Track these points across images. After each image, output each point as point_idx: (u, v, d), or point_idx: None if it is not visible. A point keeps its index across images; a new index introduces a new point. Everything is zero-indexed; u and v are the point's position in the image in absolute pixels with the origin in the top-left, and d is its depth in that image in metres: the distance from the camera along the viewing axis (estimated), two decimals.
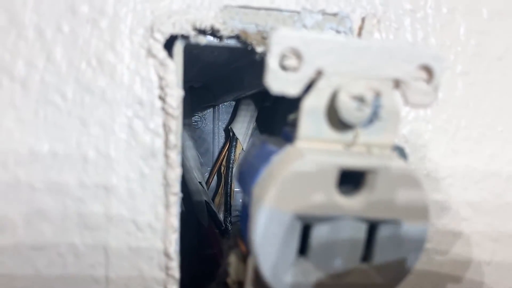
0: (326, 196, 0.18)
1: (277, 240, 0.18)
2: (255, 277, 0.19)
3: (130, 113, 0.23)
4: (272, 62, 0.18)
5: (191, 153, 0.43)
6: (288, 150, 0.19)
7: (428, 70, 0.19)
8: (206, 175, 0.46)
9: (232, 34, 0.25)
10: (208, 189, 0.45)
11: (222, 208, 0.44)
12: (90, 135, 0.23)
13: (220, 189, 0.45)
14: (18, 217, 0.22)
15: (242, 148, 0.45)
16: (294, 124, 0.20)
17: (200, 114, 0.47)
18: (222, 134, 0.48)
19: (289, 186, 0.17)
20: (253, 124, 0.45)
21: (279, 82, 0.18)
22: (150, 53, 0.23)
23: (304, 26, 0.26)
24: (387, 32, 0.27)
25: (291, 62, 0.18)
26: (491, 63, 0.29)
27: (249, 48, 0.25)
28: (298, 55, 0.18)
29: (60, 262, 0.23)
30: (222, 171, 0.45)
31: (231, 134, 0.45)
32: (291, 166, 0.17)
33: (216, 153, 0.47)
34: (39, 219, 0.22)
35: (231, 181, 0.44)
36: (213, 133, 0.47)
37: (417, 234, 0.19)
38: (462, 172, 0.28)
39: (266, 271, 0.18)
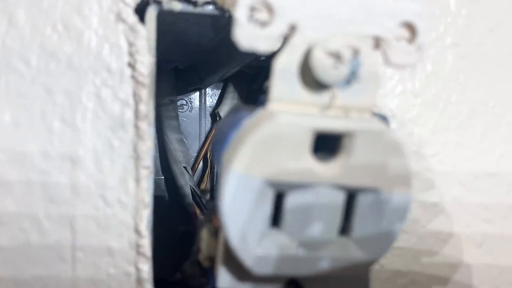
0: (300, 161, 0.17)
1: (247, 209, 0.17)
2: (225, 250, 0.18)
3: (98, 82, 0.22)
4: (240, 15, 0.16)
5: (176, 136, 0.42)
6: (259, 113, 0.17)
7: (411, 28, 0.18)
8: (192, 160, 0.45)
9: (208, 0, 0.23)
10: (194, 174, 0.43)
11: (209, 194, 0.43)
12: (55, 104, 0.21)
13: (206, 174, 0.44)
14: None
15: None
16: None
17: (186, 98, 0.46)
18: (209, 118, 0.46)
19: (259, 150, 0.16)
20: (240, 103, 0.44)
21: (248, 37, 0.16)
22: (119, 18, 0.22)
23: None
24: None
25: (261, 15, 0.16)
26: (483, 35, 0.27)
27: (227, 15, 0.24)
28: (269, 7, 0.16)
29: (23, 238, 0.21)
30: (208, 156, 0.44)
31: (217, 118, 0.44)
32: (262, 129, 0.16)
33: (203, 139, 0.46)
34: (1, 192, 0.21)
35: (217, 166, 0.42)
36: (200, 117, 0.46)
37: (399, 203, 0.18)
38: (453, 148, 0.27)
39: (235, 242, 0.17)
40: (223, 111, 0.43)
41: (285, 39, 0.17)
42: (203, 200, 0.38)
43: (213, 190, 0.42)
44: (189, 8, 0.24)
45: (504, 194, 0.28)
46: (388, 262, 0.26)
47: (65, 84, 0.22)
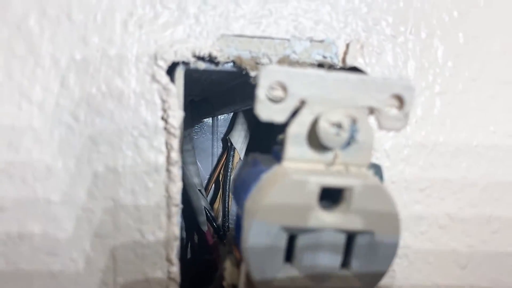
0: (309, 211, 0.20)
1: (266, 249, 0.20)
2: (247, 281, 0.22)
3: (135, 133, 0.26)
4: (261, 94, 0.20)
5: (191, 160, 0.46)
6: (275, 169, 0.21)
7: (399, 99, 0.21)
8: (205, 182, 0.49)
9: (228, 60, 0.27)
10: (207, 196, 0.47)
11: (221, 214, 0.47)
12: (99, 152, 0.25)
13: (218, 196, 0.48)
14: (37, 227, 0.25)
15: (240, 157, 0.47)
16: (282, 143, 0.23)
17: (199, 125, 0.50)
18: (220, 144, 0.50)
19: (276, 202, 0.20)
20: (249, 135, 0.48)
21: (267, 111, 0.20)
22: (154, 79, 0.26)
23: (294, 52, 0.28)
24: (370, 56, 0.29)
25: (277, 93, 0.20)
26: (466, 84, 0.31)
27: (244, 72, 0.28)
28: (283, 87, 0.20)
29: (73, 266, 0.25)
30: (220, 179, 0.48)
31: (229, 144, 0.48)
32: (278, 185, 0.20)
33: (215, 163, 0.50)
34: (54, 229, 0.25)
35: (229, 188, 0.46)
36: (212, 143, 0.50)
37: (390, 242, 0.21)
38: (440, 183, 0.31)
39: (256, 276, 0.21)
40: (234, 138, 0.47)
41: (296, 111, 0.21)
42: (216, 222, 0.42)
43: (225, 210, 0.46)
44: (211, 67, 0.27)
45: (485, 223, 0.32)
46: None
47: (108, 135, 0.25)
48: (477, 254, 0.32)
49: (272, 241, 0.20)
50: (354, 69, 0.29)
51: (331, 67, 0.29)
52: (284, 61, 0.28)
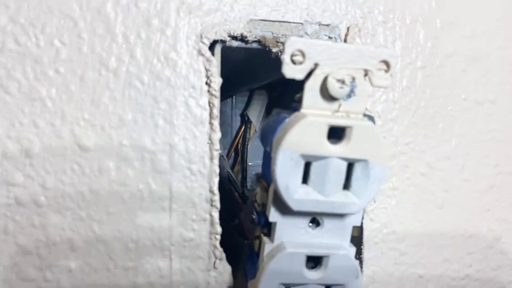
0: (321, 143, 0.28)
1: (289, 171, 0.28)
2: (274, 197, 0.30)
3: (186, 94, 0.34)
4: (286, 58, 0.28)
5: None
6: (296, 114, 0.29)
7: (386, 63, 0.29)
8: (226, 151, 0.57)
9: (255, 39, 0.35)
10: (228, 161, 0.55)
11: (239, 178, 0.54)
12: (159, 108, 0.33)
13: (237, 163, 0.55)
14: (112, 164, 0.33)
15: (255, 130, 0.55)
16: (299, 101, 0.30)
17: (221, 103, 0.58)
18: (239, 118, 0.58)
19: (298, 135, 0.28)
20: (264, 110, 0.56)
21: (290, 70, 0.28)
22: (200, 53, 0.34)
23: (306, 33, 0.36)
24: (365, 37, 0.37)
25: (298, 58, 0.28)
26: (442, 60, 0.39)
27: (267, 49, 0.36)
28: (302, 54, 0.28)
29: (139, 195, 0.33)
30: (239, 147, 0.56)
31: (246, 118, 0.56)
32: (298, 123, 0.28)
33: (234, 134, 0.57)
34: (125, 166, 0.33)
35: (246, 157, 0.54)
36: (231, 118, 0.58)
37: (379, 170, 0.29)
38: (421, 138, 0.39)
39: (282, 191, 0.29)
40: (250, 113, 0.55)
41: (311, 71, 0.29)
42: (237, 182, 0.50)
43: (243, 175, 0.54)
44: (242, 44, 0.35)
45: (457, 172, 0.40)
46: None
47: (166, 95, 0.33)
48: (451, 197, 0.40)
49: (293, 165, 0.28)
50: None
51: None
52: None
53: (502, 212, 0.41)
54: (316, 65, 0.28)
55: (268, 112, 0.57)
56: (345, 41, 0.37)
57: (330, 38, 0.36)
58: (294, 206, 0.29)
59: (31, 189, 0.31)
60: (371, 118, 0.31)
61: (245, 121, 0.55)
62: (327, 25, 0.36)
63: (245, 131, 0.55)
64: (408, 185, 0.39)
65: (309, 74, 0.29)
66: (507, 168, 0.41)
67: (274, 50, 0.35)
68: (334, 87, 0.28)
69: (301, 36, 0.36)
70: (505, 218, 0.41)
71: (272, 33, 0.35)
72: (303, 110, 0.29)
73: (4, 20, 0.31)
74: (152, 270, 0.33)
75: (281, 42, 0.35)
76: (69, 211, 0.32)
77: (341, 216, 0.31)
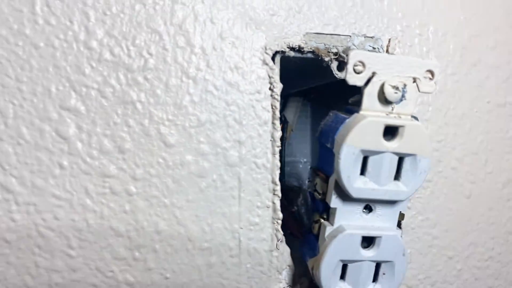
0: (378, 140, 0.33)
1: (350, 164, 0.34)
2: (336, 186, 0.35)
3: (253, 98, 0.39)
4: (349, 68, 0.33)
5: None
6: (356, 115, 0.34)
7: (431, 72, 0.35)
8: None
9: (310, 50, 0.40)
10: None
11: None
12: (231, 110, 0.38)
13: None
14: (190, 158, 0.38)
15: (292, 129, 0.61)
16: (354, 104, 0.36)
17: None
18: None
19: (358, 133, 0.33)
20: (299, 112, 0.61)
21: (353, 79, 0.33)
22: (264, 62, 0.39)
23: (353, 44, 0.41)
24: (404, 48, 0.42)
25: (359, 67, 0.33)
26: (469, 68, 0.44)
27: (319, 58, 0.41)
28: (363, 64, 0.33)
29: (213, 185, 0.38)
30: None
31: (283, 118, 0.61)
32: (361, 123, 0.33)
33: None
34: (202, 160, 0.38)
35: (284, 153, 0.59)
36: None
37: (425, 163, 0.35)
38: (451, 137, 0.44)
39: (344, 181, 0.34)
40: (287, 114, 0.60)
41: (370, 78, 0.34)
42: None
43: (282, 169, 0.59)
44: (298, 55, 0.41)
45: (482, 166, 0.45)
46: None
47: (235, 99, 0.38)
48: (477, 188, 0.45)
49: (354, 159, 0.34)
50: None
51: None
52: (346, 50, 0.41)
53: None
54: (373, 73, 0.34)
55: (302, 113, 0.62)
56: (387, 51, 0.42)
57: (373, 48, 0.42)
58: (354, 194, 0.34)
59: (123, 180, 0.36)
60: (416, 119, 0.36)
61: (282, 121, 0.61)
62: (371, 37, 0.42)
63: (282, 130, 0.60)
64: (440, 177, 0.44)
65: (367, 81, 0.34)
66: None
67: (326, 59, 0.41)
68: (389, 92, 0.33)
69: (349, 47, 0.41)
70: None
71: (325, 45, 0.41)
72: (362, 112, 0.34)
73: (101, 34, 0.36)
74: (224, 250, 0.39)
75: (332, 52, 0.41)
76: (155, 199, 0.37)
77: (391, 203, 0.36)
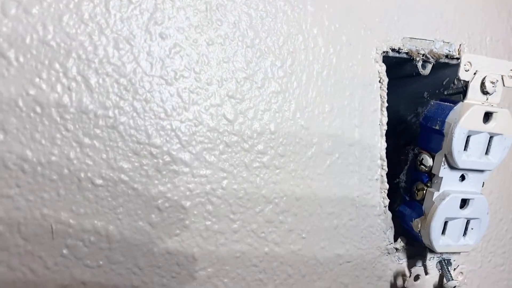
0: (480, 122, 0.43)
1: (460, 141, 0.43)
2: (445, 160, 0.44)
3: (366, 89, 0.47)
4: (461, 67, 0.43)
5: None
6: (463, 103, 0.44)
7: None
8: None
9: (405, 51, 0.50)
10: None
11: None
12: (349, 100, 0.47)
13: None
14: (319, 140, 0.46)
15: None
16: (449, 95, 0.46)
17: None
18: None
19: (468, 117, 0.43)
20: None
21: (464, 75, 0.43)
22: (375, 60, 0.48)
23: (435, 47, 0.51)
24: (470, 51, 0.53)
25: (467, 66, 0.43)
26: None
27: (411, 58, 0.50)
28: (470, 64, 0.43)
29: (337, 162, 0.46)
30: None
31: None
32: (470, 109, 0.43)
33: None
34: (328, 140, 0.46)
35: None
36: None
37: (509, 141, 0.45)
38: None
39: (455, 155, 0.43)
40: None
41: (474, 75, 0.44)
42: None
43: None
44: (396, 55, 0.50)
45: None
46: None
47: (355, 92, 0.47)
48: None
49: (463, 138, 0.43)
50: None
51: (452, 56, 0.52)
52: (430, 52, 0.51)
53: None
54: (476, 71, 0.44)
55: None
56: (459, 53, 0.52)
57: (449, 51, 0.52)
58: (461, 165, 0.44)
59: (272, 156, 0.44)
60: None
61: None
62: (448, 42, 0.52)
63: None
64: None
65: (472, 77, 0.44)
66: None
67: (417, 59, 0.50)
68: (489, 86, 0.43)
69: (432, 50, 0.51)
70: None
71: (416, 47, 0.50)
72: (467, 101, 0.44)
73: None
74: (344, 214, 0.47)
75: (420, 53, 0.50)
76: (294, 172, 0.45)
77: (480, 171, 0.46)
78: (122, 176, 0.39)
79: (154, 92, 0.40)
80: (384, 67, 0.48)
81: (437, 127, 0.45)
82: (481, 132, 0.44)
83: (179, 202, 0.41)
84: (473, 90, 0.44)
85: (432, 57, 0.51)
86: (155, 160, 0.40)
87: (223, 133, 0.42)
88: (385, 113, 0.48)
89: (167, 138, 0.40)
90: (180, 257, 0.41)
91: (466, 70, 0.43)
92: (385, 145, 0.48)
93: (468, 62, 0.43)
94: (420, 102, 0.55)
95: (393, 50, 0.49)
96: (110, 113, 0.38)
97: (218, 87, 0.41)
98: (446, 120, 0.44)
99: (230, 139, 0.42)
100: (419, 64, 0.51)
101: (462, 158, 0.44)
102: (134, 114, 0.39)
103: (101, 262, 0.39)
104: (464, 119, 0.43)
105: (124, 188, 0.39)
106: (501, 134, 0.45)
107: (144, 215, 0.39)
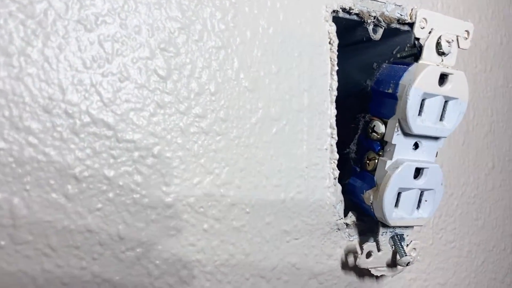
0: (435, 84, 0.40)
1: (415, 103, 0.40)
2: (398, 126, 0.41)
3: (316, 50, 0.43)
4: (416, 24, 0.40)
5: None
6: (417, 64, 0.41)
7: (467, 32, 0.43)
8: None
9: (356, 12, 0.46)
10: None
11: None
12: (297, 62, 0.42)
13: None
14: (264, 103, 0.41)
15: None
16: (403, 58, 0.43)
17: None
18: None
19: (423, 79, 0.40)
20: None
21: (419, 33, 0.40)
22: (325, 19, 0.44)
23: (387, 10, 0.48)
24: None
25: (422, 24, 0.40)
26: None
27: (362, 20, 0.47)
28: (426, 21, 0.40)
29: (285, 130, 0.42)
30: None
31: None
32: (425, 69, 0.40)
33: None
34: (274, 105, 0.42)
35: None
36: None
37: (464, 106, 0.43)
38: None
39: (410, 120, 0.40)
40: None
41: (429, 33, 0.41)
42: None
43: None
44: (346, 16, 0.46)
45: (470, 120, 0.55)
46: None
47: (304, 53, 0.43)
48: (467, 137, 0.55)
49: (418, 101, 0.40)
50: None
51: (404, 21, 0.49)
52: (382, 15, 0.48)
53: None
54: (432, 29, 0.41)
55: None
56: (410, 18, 0.49)
57: (401, 15, 0.49)
58: (415, 130, 0.41)
59: (212, 121, 0.39)
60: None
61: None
62: (400, 5, 0.49)
63: None
64: None
65: (428, 36, 0.41)
66: None
67: (368, 21, 0.47)
68: (445, 45, 0.40)
69: (383, 12, 0.48)
70: None
71: (367, 8, 0.47)
72: (421, 61, 0.41)
73: None
74: (292, 187, 0.43)
75: (372, 16, 0.47)
76: (237, 139, 0.40)
77: (435, 139, 0.44)
78: (30, 138, 0.32)
79: (70, 38, 0.33)
80: (334, 27, 0.44)
81: (390, 91, 0.42)
82: (436, 95, 0.41)
83: (101, 171, 0.35)
84: (428, 50, 0.41)
85: (384, 21, 0.47)
86: (71, 121, 0.33)
87: (154, 91, 0.36)
88: (335, 77, 0.44)
89: (86, 95, 0.34)
90: (103, 236, 0.35)
91: (421, 28, 0.40)
92: (335, 112, 0.45)
93: (424, 18, 0.40)
94: (370, 73, 0.52)
95: (343, 10, 0.45)
96: (14, 62, 0.32)
97: (148, 37, 0.36)
98: (400, 82, 0.41)
99: (163, 99, 0.36)
100: (370, 28, 0.47)
101: (416, 123, 0.41)
102: (45, 64, 0.32)
103: (2, 243, 0.32)
104: (420, 80, 0.40)
105: (32, 152, 0.32)
106: (456, 98, 0.42)
107: (58, 185, 0.33)
